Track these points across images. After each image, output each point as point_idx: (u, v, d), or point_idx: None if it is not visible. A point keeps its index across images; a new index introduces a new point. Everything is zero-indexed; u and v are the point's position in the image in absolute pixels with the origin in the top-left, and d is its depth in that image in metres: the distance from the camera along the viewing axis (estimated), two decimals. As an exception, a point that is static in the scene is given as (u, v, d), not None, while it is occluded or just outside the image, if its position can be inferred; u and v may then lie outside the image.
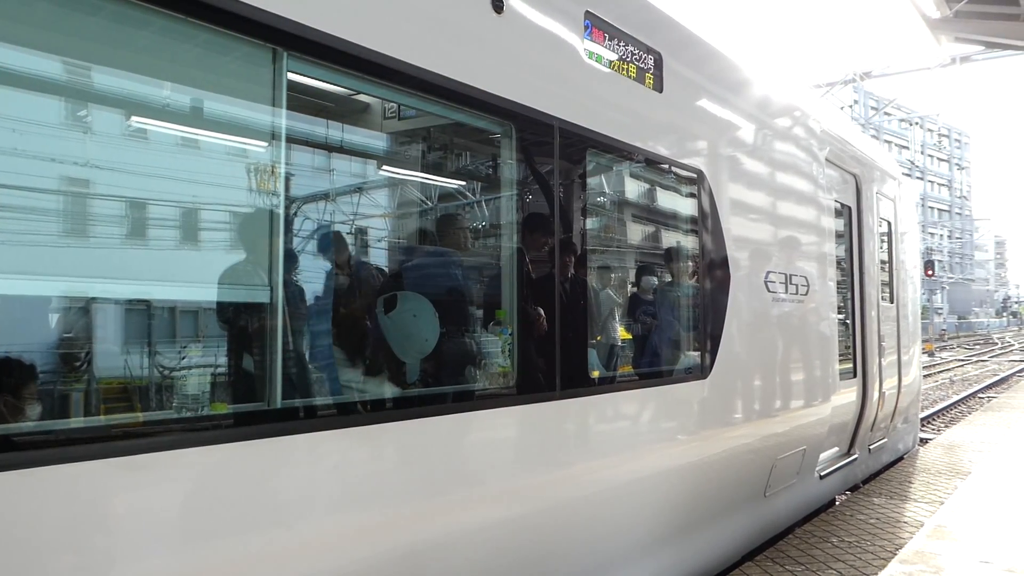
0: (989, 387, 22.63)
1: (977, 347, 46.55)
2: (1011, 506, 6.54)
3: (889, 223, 9.76)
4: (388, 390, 3.88)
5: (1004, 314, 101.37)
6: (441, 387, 4.04)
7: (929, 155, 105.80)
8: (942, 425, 15.74)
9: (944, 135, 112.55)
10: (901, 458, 10.19)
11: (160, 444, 2.54)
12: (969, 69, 20.78)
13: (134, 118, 3.33)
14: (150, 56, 2.83)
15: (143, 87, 3.06)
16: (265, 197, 3.13)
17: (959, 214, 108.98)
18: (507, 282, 4.00)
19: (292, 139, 3.35)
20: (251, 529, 2.75)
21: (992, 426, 12.42)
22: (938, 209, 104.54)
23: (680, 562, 5.32)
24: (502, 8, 3.70)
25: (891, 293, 9.64)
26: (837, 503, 8.06)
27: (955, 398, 19.67)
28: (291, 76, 2.98)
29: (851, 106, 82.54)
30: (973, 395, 20.62)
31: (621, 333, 5.67)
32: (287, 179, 3.13)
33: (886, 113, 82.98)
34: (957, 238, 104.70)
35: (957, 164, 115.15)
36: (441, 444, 3.51)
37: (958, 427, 12.84)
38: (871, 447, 8.86)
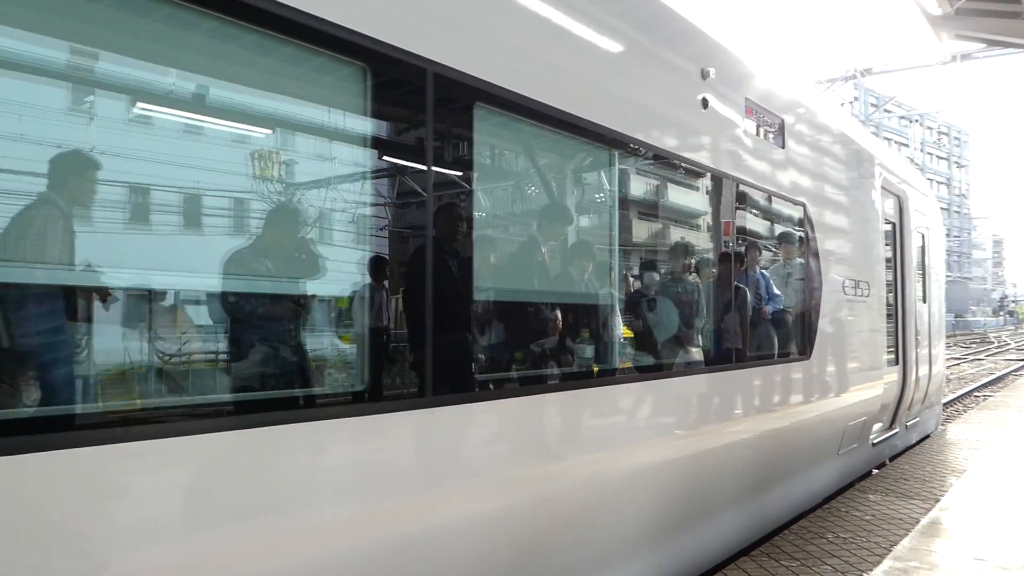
0: (985, 386, 22.63)
1: (974, 346, 46.62)
2: (1006, 504, 6.56)
3: (923, 235, 11.51)
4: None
5: (1001, 313, 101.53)
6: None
7: (928, 152, 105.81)
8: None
9: (944, 133, 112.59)
10: (928, 436, 11.59)
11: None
12: (970, 67, 20.79)
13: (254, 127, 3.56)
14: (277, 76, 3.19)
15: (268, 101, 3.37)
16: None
17: (957, 212, 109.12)
18: (704, 290, 6.10)
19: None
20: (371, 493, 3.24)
21: (988, 424, 12.46)
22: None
23: (791, 494, 7.29)
24: (707, 105, 5.60)
25: (924, 294, 11.39)
26: (835, 498, 8.08)
27: (951, 396, 19.68)
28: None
29: (851, 103, 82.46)
30: (969, 394, 20.63)
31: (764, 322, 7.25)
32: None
33: (886, 110, 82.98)
34: (955, 236, 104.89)
35: (956, 162, 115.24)
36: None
37: (954, 425, 12.88)
38: (908, 424, 10.51)
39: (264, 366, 3.25)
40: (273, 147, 3.43)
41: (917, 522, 6.40)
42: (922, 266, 11.40)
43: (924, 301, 11.31)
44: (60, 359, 2.72)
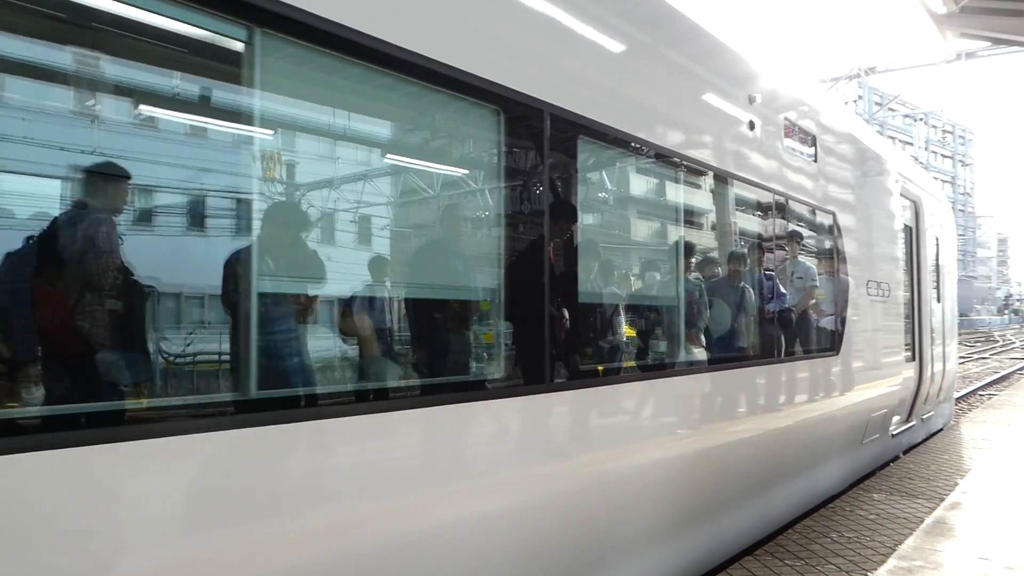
0: (990, 385, 22.50)
1: (978, 344, 46.38)
2: (1011, 503, 6.54)
3: (937, 238, 12.08)
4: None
5: (1006, 312, 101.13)
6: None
7: (933, 151, 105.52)
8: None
9: (948, 131, 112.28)
10: (940, 430, 12.11)
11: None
12: (974, 65, 20.69)
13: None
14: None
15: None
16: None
17: (962, 211, 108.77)
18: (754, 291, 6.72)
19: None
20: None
21: (992, 424, 12.43)
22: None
23: (824, 477, 7.94)
24: (754, 127, 6.34)
25: (938, 294, 12.00)
26: (840, 497, 8.07)
27: (955, 395, 19.58)
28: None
29: (855, 101, 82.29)
30: (973, 392, 20.52)
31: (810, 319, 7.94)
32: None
33: (890, 109, 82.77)
34: (960, 235, 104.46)
35: (961, 161, 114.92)
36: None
37: (959, 424, 12.84)
38: (923, 417, 11.10)
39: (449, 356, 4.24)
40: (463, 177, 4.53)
41: (922, 521, 6.38)
42: (936, 267, 11.94)
43: (938, 300, 11.94)
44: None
